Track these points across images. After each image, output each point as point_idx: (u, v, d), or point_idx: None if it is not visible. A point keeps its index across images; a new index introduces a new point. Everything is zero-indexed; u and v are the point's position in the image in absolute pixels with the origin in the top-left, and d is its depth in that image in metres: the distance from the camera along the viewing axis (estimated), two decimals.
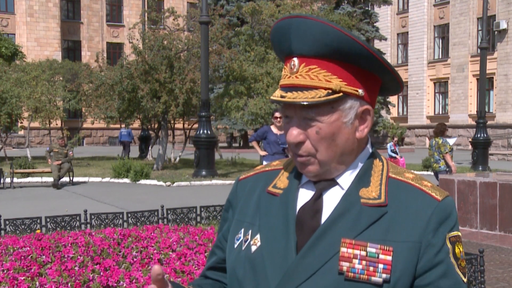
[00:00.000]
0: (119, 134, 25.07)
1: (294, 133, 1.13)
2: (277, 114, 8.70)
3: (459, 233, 1.16)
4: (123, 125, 24.36)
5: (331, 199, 1.16)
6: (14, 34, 39.13)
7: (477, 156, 18.99)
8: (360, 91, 1.13)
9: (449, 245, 1.12)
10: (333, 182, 1.17)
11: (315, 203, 1.16)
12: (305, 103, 1.09)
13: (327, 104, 1.11)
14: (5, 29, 37.88)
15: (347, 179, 1.17)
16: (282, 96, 1.12)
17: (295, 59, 1.12)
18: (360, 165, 1.18)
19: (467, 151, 28.76)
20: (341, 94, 1.11)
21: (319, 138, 1.12)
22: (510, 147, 30.60)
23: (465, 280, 1.13)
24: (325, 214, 1.14)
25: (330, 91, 1.10)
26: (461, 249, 1.14)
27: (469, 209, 7.83)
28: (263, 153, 8.89)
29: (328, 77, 1.11)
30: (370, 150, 1.21)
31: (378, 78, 1.17)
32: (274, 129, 8.76)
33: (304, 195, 1.19)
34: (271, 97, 1.15)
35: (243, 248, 1.19)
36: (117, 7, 44.31)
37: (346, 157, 1.16)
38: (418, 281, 1.11)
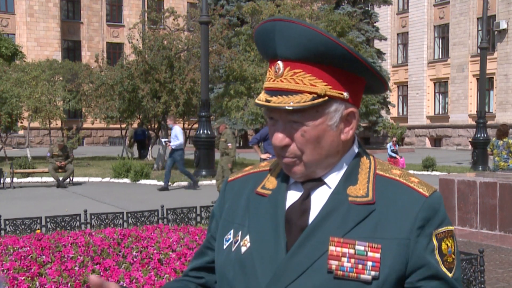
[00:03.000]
0: (134, 134, 26.02)
1: (280, 137, 1.14)
2: None
3: (449, 227, 1.15)
4: (134, 125, 25.23)
5: (319, 199, 1.16)
6: (14, 34, 39.14)
7: (477, 156, 18.99)
8: (345, 94, 1.14)
9: (435, 242, 1.12)
10: (320, 182, 1.18)
11: (303, 203, 1.17)
12: (290, 108, 1.10)
13: (312, 108, 1.12)
14: (5, 29, 37.87)
15: (334, 178, 1.18)
16: (267, 100, 1.13)
17: (279, 62, 1.13)
18: (346, 165, 1.19)
19: (467, 151, 28.77)
20: (326, 98, 1.12)
21: (304, 140, 1.13)
22: None
23: (450, 275, 1.12)
24: (313, 214, 1.15)
25: (315, 95, 1.11)
26: (449, 244, 1.14)
27: (469, 209, 7.82)
28: (264, 156, 8.83)
29: (313, 81, 1.11)
30: (356, 150, 1.22)
31: (363, 80, 1.18)
32: None
33: (293, 196, 1.19)
34: (256, 101, 1.16)
35: (233, 249, 1.20)
36: (117, 7, 44.31)
37: (331, 158, 1.17)
38: (408, 280, 1.12)
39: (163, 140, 13.96)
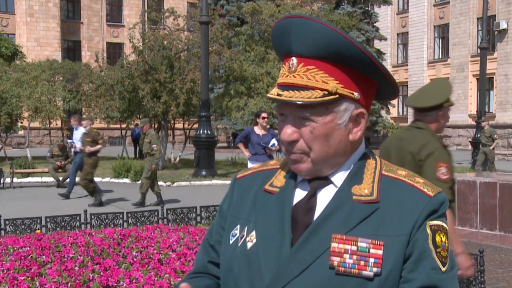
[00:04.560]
0: (131, 133, 26.33)
1: (289, 132, 1.15)
2: (264, 115, 8.75)
3: (444, 225, 1.15)
4: (132, 125, 25.65)
5: (325, 197, 1.18)
6: (14, 34, 39.10)
7: (477, 156, 18.98)
8: (356, 94, 1.15)
9: (428, 231, 1.12)
10: (327, 181, 1.19)
11: (309, 201, 1.18)
12: (300, 102, 1.11)
13: (322, 105, 1.13)
14: (5, 29, 37.85)
15: (340, 177, 1.19)
16: (279, 95, 1.15)
17: (293, 58, 1.14)
18: (353, 165, 1.20)
19: (467, 151, 28.76)
20: (336, 96, 1.13)
21: (312, 137, 1.14)
22: (510, 147, 30.60)
23: (443, 269, 1.12)
24: (318, 211, 1.16)
25: (326, 92, 1.12)
26: (443, 238, 1.14)
27: (469, 209, 7.82)
28: (248, 154, 8.94)
29: (325, 78, 1.13)
30: (364, 151, 1.23)
31: (375, 83, 1.19)
32: (257, 130, 8.78)
33: (299, 194, 1.21)
34: (268, 95, 1.17)
35: (239, 244, 1.21)
36: (117, 7, 44.29)
37: (338, 158, 1.18)
38: (403, 265, 1.12)
39: (69, 140, 12.69)
